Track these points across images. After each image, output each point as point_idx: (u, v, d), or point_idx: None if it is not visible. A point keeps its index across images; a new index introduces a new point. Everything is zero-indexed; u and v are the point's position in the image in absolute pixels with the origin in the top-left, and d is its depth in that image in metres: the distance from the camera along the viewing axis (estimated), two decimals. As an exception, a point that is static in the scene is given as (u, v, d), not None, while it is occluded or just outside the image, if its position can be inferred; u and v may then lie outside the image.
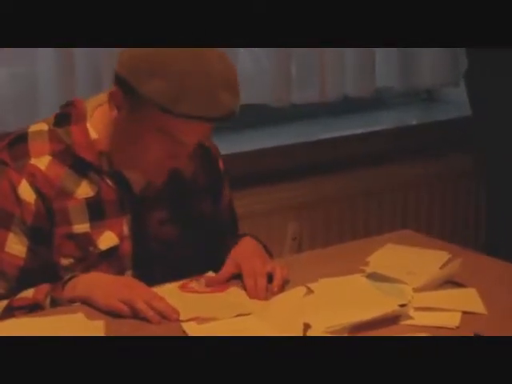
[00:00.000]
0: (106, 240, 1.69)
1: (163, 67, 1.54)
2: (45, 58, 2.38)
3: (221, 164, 1.86)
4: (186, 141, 1.61)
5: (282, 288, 1.69)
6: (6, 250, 1.65)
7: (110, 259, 1.69)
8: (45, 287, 1.65)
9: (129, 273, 1.71)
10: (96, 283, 1.64)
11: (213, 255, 1.80)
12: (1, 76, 2.36)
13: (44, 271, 1.67)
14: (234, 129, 2.83)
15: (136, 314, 1.57)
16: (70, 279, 1.65)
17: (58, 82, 2.39)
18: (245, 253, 1.76)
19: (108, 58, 2.42)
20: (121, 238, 1.70)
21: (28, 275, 1.66)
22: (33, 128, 1.69)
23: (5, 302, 1.65)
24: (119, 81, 1.59)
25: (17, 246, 1.65)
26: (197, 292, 1.70)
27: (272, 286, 1.67)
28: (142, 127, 1.60)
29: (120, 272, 1.70)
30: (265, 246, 1.83)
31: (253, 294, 1.66)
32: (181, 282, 1.72)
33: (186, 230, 1.77)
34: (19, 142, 1.67)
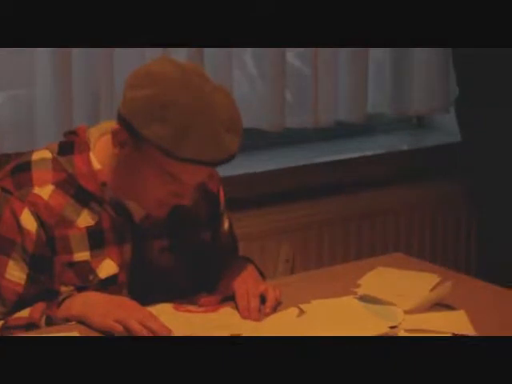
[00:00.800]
0: (106, 268, 1.70)
1: (164, 111, 1.56)
2: (43, 81, 2.40)
3: (221, 193, 1.87)
4: (188, 182, 1.63)
5: (275, 309, 1.70)
6: (6, 276, 1.66)
7: (109, 287, 1.70)
8: (40, 305, 1.66)
9: None
10: (91, 303, 1.65)
11: (211, 280, 1.81)
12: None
13: (42, 298, 1.68)
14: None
15: (130, 334, 1.58)
16: (65, 298, 1.67)
17: (56, 104, 2.40)
18: (238, 274, 1.77)
19: (106, 84, 2.44)
20: (120, 266, 1.71)
21: (26, 301, 1.67)
22: (36, 156, 1.70)
23: (0, 323, 1.67)
24: (122, 121, 1.61)
25: (16, 272, 1.66)
26: (190, 311, 1.72)
27: (264, 307, 1.69)
28: (145, 166, 1.62)
29: None
30: (257, 268, 1.85)
31: (245, 315, 1.68)
32: (175, 302, 1.74)
33: (185, 258, 1.78)
34: (22, 170, 1.68)
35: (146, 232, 1.73)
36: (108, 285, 1.70)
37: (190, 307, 1.73)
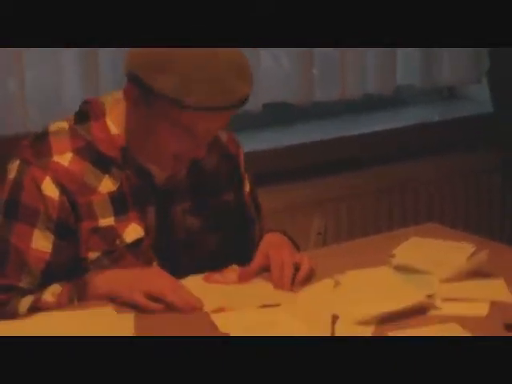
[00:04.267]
0: (132, 233, 1.70)
1: (172, 61, 1.55)
2: (69, 59, 2.41)
3: (241, 155, 1.87)
4: (201, 133, 1.62)
5: (309, 279, 1.69)
6: (32, 246, 1.66)
7: (136, 251, 1.70)
8: (67, 289, 1.65)
9: (155, 264, 1.72)
10: (116, 278, 1.65)
11: (241, 247, 1.81)
12: (27, 78, 2.37)
13: (69, 265, 1.68)
14: (257, 127, 2.84)
15: (168, 306, 1.58)
16: (85, 279, 1.66)
17: (82, 82, 2.41)
18: (273, 244, 1.76)
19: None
20: (146, 230, 1.71)
21: (53, 270, 1.67)
22: (53, 127, 1.71)
23: (29, 298, 1.66)
24: (131, 77, 1.60)
25: (42, 241, 1.66)
26: (221, 283, 1.71)
27: (297, 276, 1.68)
28: (158, 122, 1.61)
29: (147, 264, 1.71)
30: (292, 239, 1.84)
31: (278, 284, 1.67)
32: (205, 274, 1.73)
33: (209, 220, 1.78)
34: (41, 140, 1.69)
35: (168, 195, 1.73)
36: (135, 248, 1.70)
37: (221, 279, 1.71)
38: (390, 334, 1.49)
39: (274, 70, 2.78)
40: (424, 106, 3.24)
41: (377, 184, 2.92)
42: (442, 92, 3.31)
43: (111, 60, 2.46)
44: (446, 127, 3.10)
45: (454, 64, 3.05)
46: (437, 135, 3.06)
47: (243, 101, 1.59)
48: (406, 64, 3.01)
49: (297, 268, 1.69)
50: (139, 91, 1.60)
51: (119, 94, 1.70)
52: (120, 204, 1.69)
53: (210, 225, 1.78)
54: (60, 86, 2.44)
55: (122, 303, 1.61)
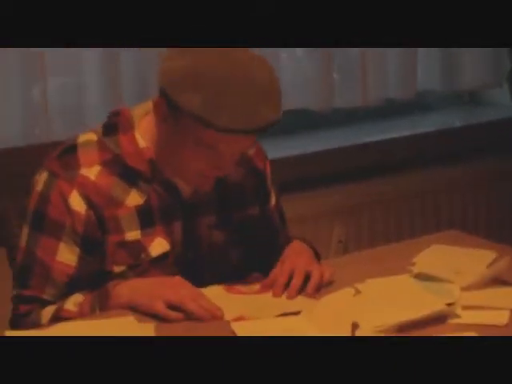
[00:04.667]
0: (158, 247, 1.70)
1: (202, 80, 1.56)
2: (91, 68, 2.42)
3: (268, 169, 1.86)
4: (226, 152, 1.62)
5: (318, 290, 1.68)
6: (57, 259, 1.67)
7: (161, 265, 1.70)
8: (89, 298, 1.66)
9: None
10: (137, 287, 1.65)
11: (265, 258, 1.80)
12: (49, 85, 2.38)
13: (94, 279, 1.69)
14: (278, 134, 2.83)
15: (188, 315, 1.58)
16: (107, 288, 1.66)
17: (105, 90, 2.42)
18: (292, 254, 1.76)
19: (154, 67, 2.45)
20: (172, 244, 1.71)
21: (78, 283, 1.68)
22: (81, 138, 1.71)
23: (52, 308, 1.67)
24: (161, 92, 1.61)
25: (67, 255, 1.67)
26: (243, 293, 1.71)
27: (307, 288, 1.67)
28: (184, 139, 1.62)
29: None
30: (313, 248, 1.83)
31: (277, 292, 1.66)
32: (227, 285, 1.73)
33: (234, 234, 1.78)
34: (69, 152, 1.69)
35: (194, 209, 1.73)
36: (159, 263, 1.70)
37: (243, 288, 1.72)
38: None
39: (294, 77, 2.78)
40: (445, 112, 3.23)
41: (398, 191, 2.91)
42: (462, 97, 3.30)
43: (134, 67, 2.47)
44: (467, 133, 3.09)
45: (475, 68, 3.03)
46: (458, 141, 3.04)
47: (273, 124, 1.59)
48: (426, 69, 3.00)
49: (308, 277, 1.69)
50: (167, 107, 1.61)
51: (148, 106, 1.71)
52: (147, 218, 1.69)
53: (234, 239, 1.78)
54: (82, 95, 2.45)
55: (142, 312, 1.61)
